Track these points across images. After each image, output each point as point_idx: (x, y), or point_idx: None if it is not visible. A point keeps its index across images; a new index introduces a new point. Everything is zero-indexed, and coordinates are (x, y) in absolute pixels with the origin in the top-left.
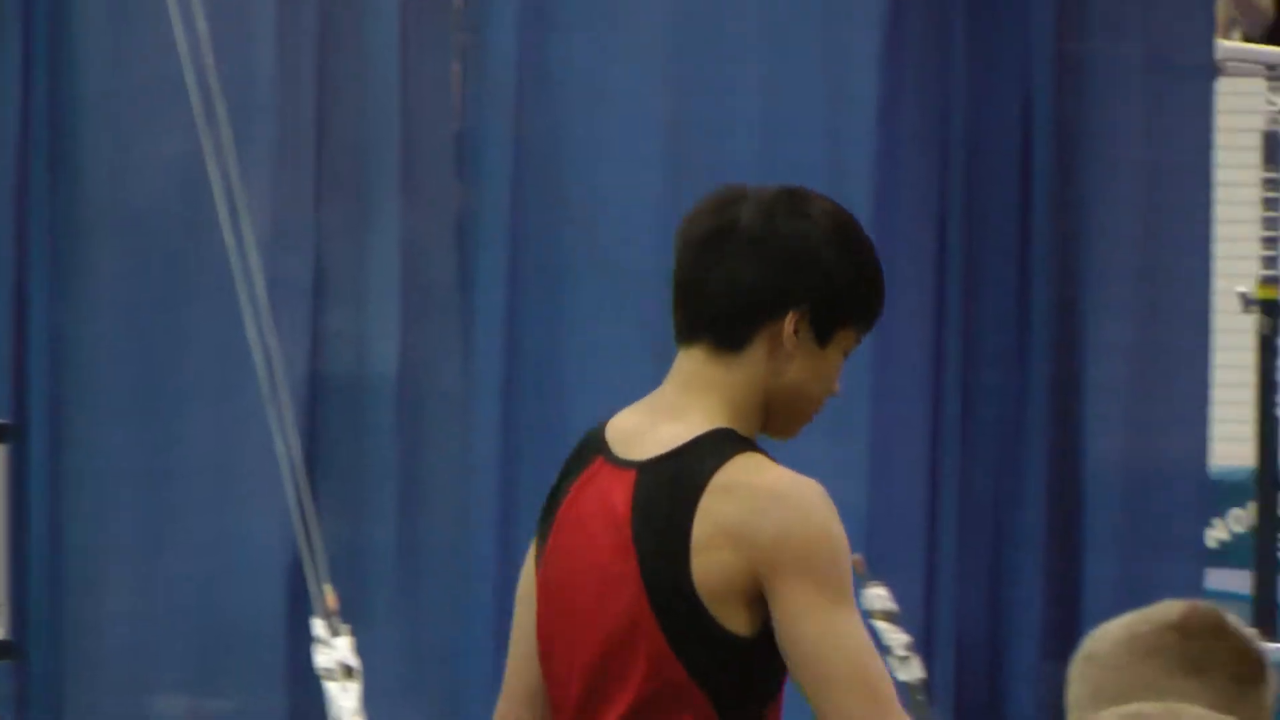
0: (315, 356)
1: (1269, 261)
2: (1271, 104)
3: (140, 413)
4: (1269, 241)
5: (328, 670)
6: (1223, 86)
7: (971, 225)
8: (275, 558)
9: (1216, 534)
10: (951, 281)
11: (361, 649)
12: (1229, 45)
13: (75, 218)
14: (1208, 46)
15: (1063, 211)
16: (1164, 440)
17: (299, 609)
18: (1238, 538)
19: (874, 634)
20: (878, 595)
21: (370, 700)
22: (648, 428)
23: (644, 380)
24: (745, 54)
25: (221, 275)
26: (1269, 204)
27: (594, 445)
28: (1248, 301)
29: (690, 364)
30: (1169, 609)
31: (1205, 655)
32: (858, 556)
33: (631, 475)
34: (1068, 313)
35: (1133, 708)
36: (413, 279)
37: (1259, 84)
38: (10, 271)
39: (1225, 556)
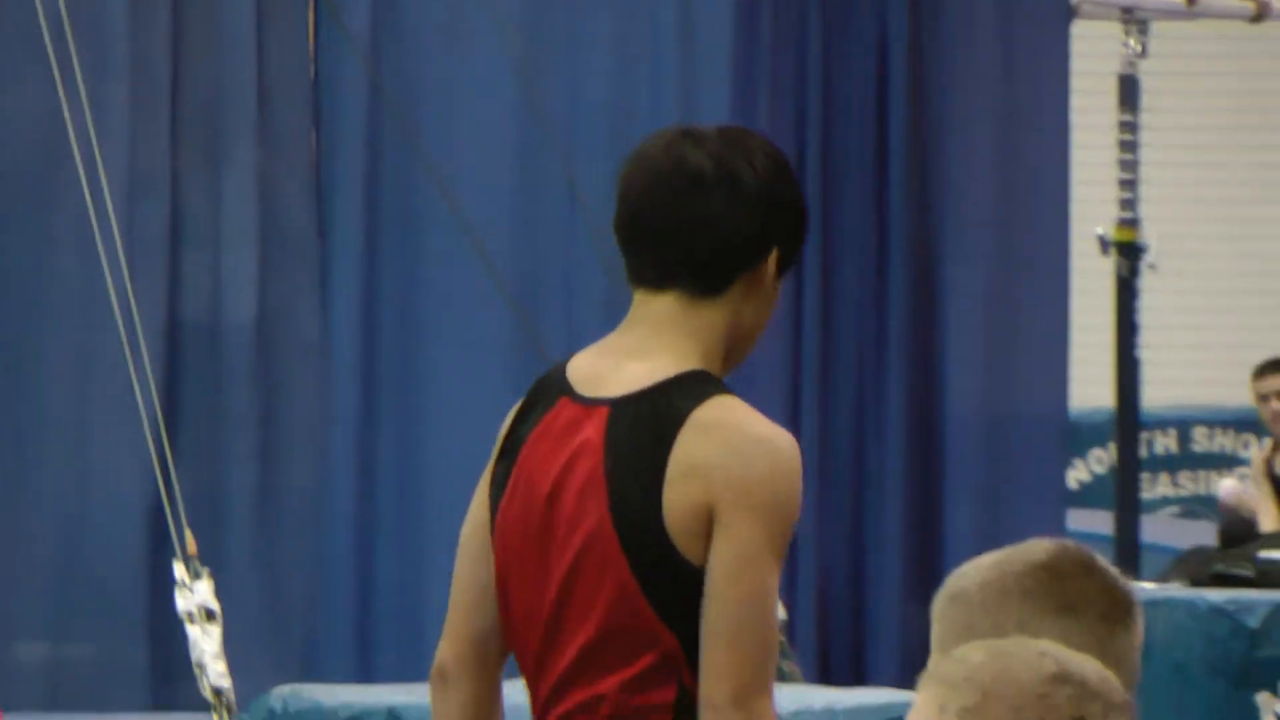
0: (173, 304)
1: (1126, 204)
2: (1126, 47)
3: (2, 355)
4: (1125, 184)
5: (188, 614)
6: (1078, 30)
7: (828, 171)
8: (134, 504)
9: (1077, 475)
10: (810, 228)
11: (221, 593)
12: None
13: None
14: None
15: (919, 157)
16: (1023, 383)
17: (159, 554)
18: (1098, 479)
19: None
20: None
21: (230, 644)
22: (612, 368)
23: (501, 326)
24: (598, 3)
25: (79, 224)
26: (1124, 147)
27: (555, 386)
28: (1105, 244)
29: (659, 307)
30: (1037, 548)
31: (1076, 595)
32: None
33: (604, 411)
34: (925, 257)
35: (998, 644)
36: (269, 226)
37: (1114, 28)
38: None
39: (1086, 497)
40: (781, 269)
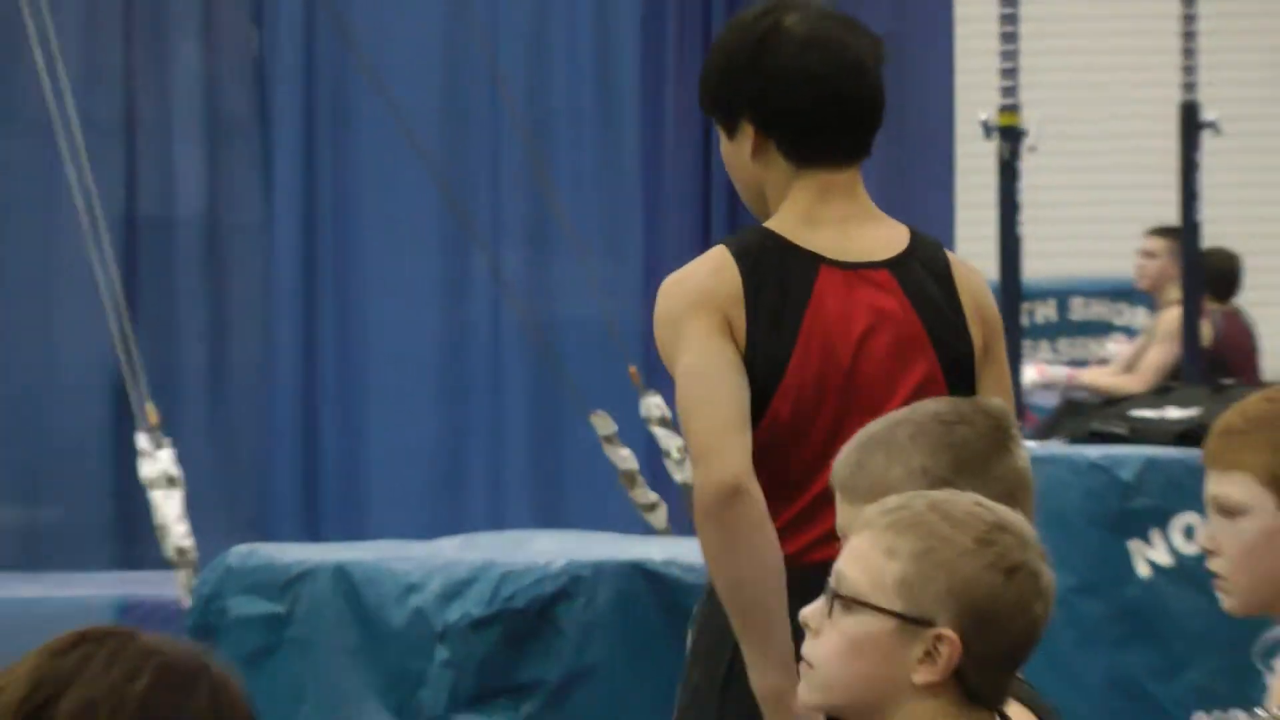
0: (129, 193)
1: (1007, 92)
2: None
3: None
4: (1006, 74)
5: (152, 480)
6: None
7: None
8: (99, 379)
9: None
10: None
11: (180, 460)
12: None
13: None
14: None
15: None
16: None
17: (122, 425)
18: None
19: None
20: (655, 404)
21: (189, 506)
22: (849, 236)
23: (430, 208)
24: None
25: (39, 119)
26: (1005, 38)
27: (794, 256)
28: (988, 129)
29: (847, 178)
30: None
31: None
32: (633, 367)
33: (884, 274)
34: None
35: (933, 495)
36: (214, 119)
37: None
38: None
39: None
40: None
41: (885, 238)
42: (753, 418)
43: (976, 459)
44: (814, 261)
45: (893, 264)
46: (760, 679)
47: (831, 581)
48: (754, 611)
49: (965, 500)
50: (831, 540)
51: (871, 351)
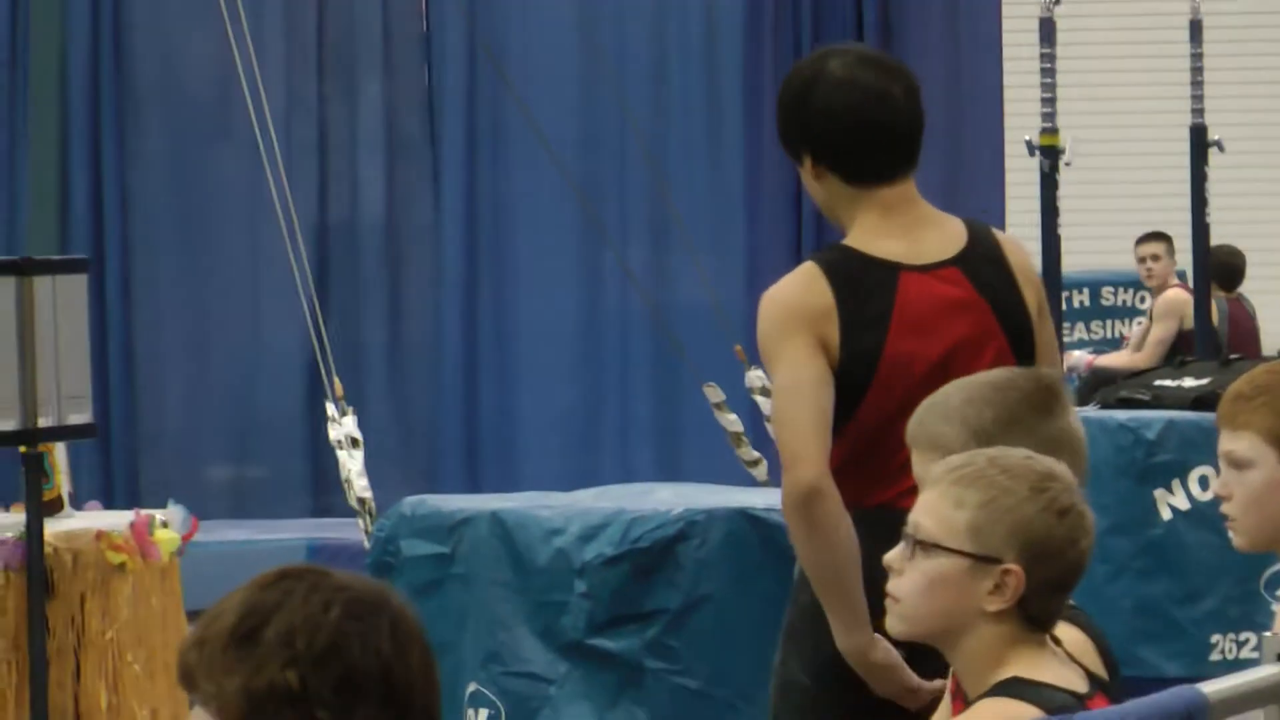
0: (321, 202)
1: (1046, 117)
2: None
3: (187, 252)
4: (1046, 101)
5: (338, 441)
6: None
7: None
8: (295, 358)
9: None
10: None
11: (361, 426)
12: None
13: (133, 98)
14: None
15: None
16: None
17: (315, 396)
18: None
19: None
20: (756, 376)
21: (369, 465)
22: (918, 241)
23: (569, 214)
24: None
25: (247, 141)
26: (1045, 73)
27: (876, 267)
28: (1032, 148)
29: (904, 188)
30: (993, 374)
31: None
32: (738, 346)
33: (954, 270)
34: None
35: (990, 453)
36: (394, 140)
37: None
38: (87, 140)
39: None
40: None
41: (948, 237)
42: (851, 407)
43: (1023, 419)
44: (894, 269)
45: (959, 260)
46: (844, 639)
47: (909, 529)
48: (834, 588)
49: (1018, 455)
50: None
51: (953, 340)
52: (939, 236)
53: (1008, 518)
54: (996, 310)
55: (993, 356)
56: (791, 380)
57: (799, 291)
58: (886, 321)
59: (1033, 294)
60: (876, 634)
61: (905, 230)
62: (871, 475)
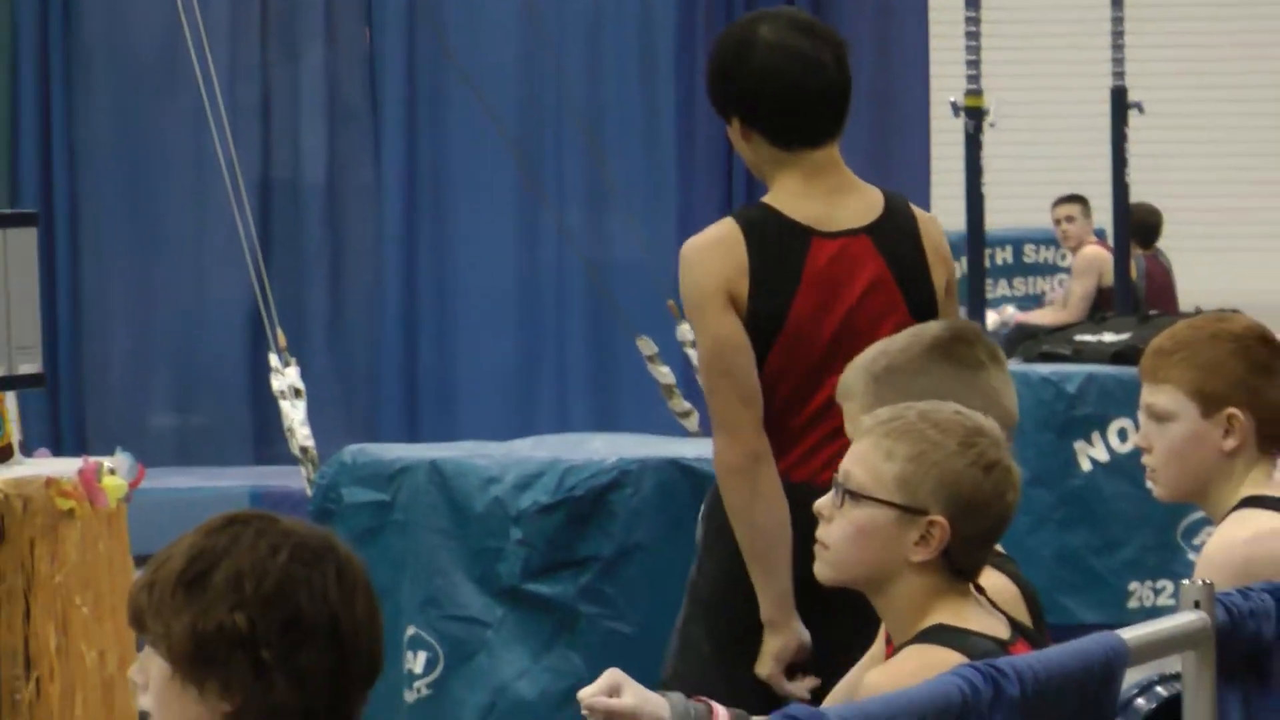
0: (265, 163)
1: (971, 79)
2: None
3: (134, 207)
4: (971, 64)
5: (281, 392)
6: None
7: None
8: (239, 311)
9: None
10: None
11: (303, 377)
12: None
13: (82, 56)
14: None
15: None
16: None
17: (258, 349)
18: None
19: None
20: (687, 330)
21: (311, 414)
22: (834, 207)
23: (506, 173)
24: None
25: (195, 105)
26: (970, 36)
27: (790, 230)
28: (956, 109)
29: (828, 153)
30: (932, 326)
31: (963, 353)
32: (670, 301)
33: (864, 240)
34: None
35: (920, 406)
36: (335, 104)
37: None
38: (36, 97)
39: None
40: None
41: (865, 206)
42: (759, 366)
43: (926, 368)
44: (807, 234)
45: (870, 229)
46: (764, 606)
47: (839, 478)
48: (768, 556)
49: (947, 409)
50: (811, 458)
51: (857, 305)
52: (856, 205)
53: (935, 471)
54: (901, 283)
55: (893, 328)
56: (714, 348)
57: (716, 248)
58: (795, 285)
59: (942, 272)
60: (790, 630)
61: (825, 195)
62: (784, 444)
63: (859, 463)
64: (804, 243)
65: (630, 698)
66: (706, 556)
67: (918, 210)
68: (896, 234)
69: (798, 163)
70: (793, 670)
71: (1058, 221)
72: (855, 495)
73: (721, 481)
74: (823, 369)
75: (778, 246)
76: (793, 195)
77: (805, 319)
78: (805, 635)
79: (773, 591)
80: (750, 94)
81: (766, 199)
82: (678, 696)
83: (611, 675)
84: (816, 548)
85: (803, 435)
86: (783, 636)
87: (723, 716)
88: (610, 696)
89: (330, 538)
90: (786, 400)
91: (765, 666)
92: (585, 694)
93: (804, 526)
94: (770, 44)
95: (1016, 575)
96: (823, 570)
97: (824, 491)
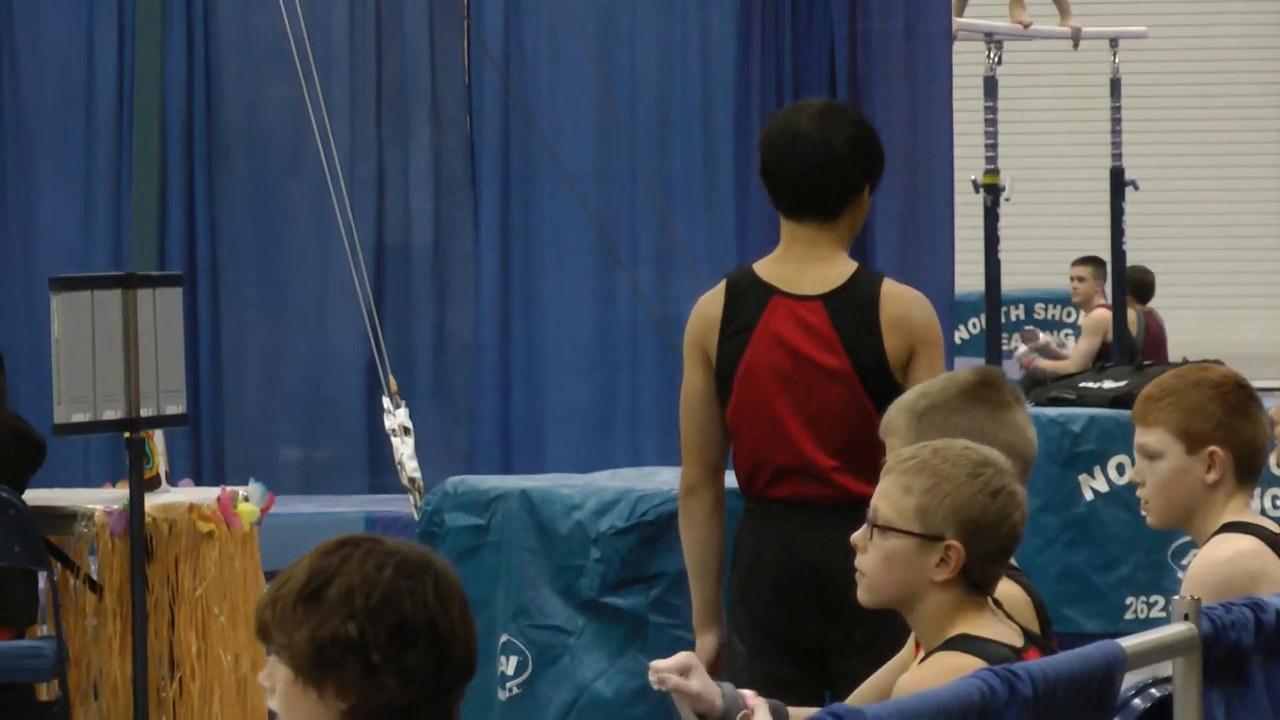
0: (379, 230)
1: (990, 160)
2: (988, 58)
3: (266, 269)
4: (989, 147)
5: (393, 430)
6: (957, 48)
7: None
8: (357, 359)
9: (960, 335)
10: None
11: (412, 416)
12: (960, 20)
13: (221, 138)
14: (947, 20)
15: None
16: (925, 273)
17: (373, 391)
18: (974, 337)
19: None
20: None
21: (419, 449)
22: (801, 273)
23: (587, 239)
24: (646, 28)
25: (316, 176)
26: (988, 123)
27: (759, 288)
28: (976, 185)
29: (811, 230)
30: (963, 373)
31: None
32: None
33: (817, 305)
34: None
35: (933, 444)
36: (440, 178)
37: (980, 46)
38: (182, 174)
39: (966, 349)
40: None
41: (828, 276)
42: (723, 402)
43: (960, 408)
44: (770, 292)
45: (825, 297)
46: (693, 613)
47: (870, 513)
48: (692, 569)
49: (957, 445)
50: (776, 484)
51: (801, 356)
52: (822, 274)
53: (948, 501)
54: (845, 343)
55: (840, 384)
56: (684, 395)
57: (704, 303)
58: (750, 333)
59: (898, 339)
60: (710, 635)
61: (798, 262)
62: (752, 471)
63: (883, 499)
64: (766, 298)
65: (696, 681)
66: (730, 569)
67: (891, 289)
68: (849, 304)
69: (790, 231)
70: (712, 671)
71: (1071, 279)
72: (882, 528)
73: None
74: (780, 413)
75: (744, 301)
76: (775, 259)
77: (755, 365)
78: (723, 640)
79: (695, 602)
80: (767, 167)
81: (757, 262)
82: (728, 686)
83: (686, 657)
84: (856, 575)
85: (765, 465)
86: (700, 640)
87: (756, 703)
88: (680, 675)
89: (428, 554)
90: (751, 436)
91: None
92: (659, 665)
93: (781, 536)
94: (790, 129)
95: (1027, 586)
96: (862, 594)
97: (787, 507)
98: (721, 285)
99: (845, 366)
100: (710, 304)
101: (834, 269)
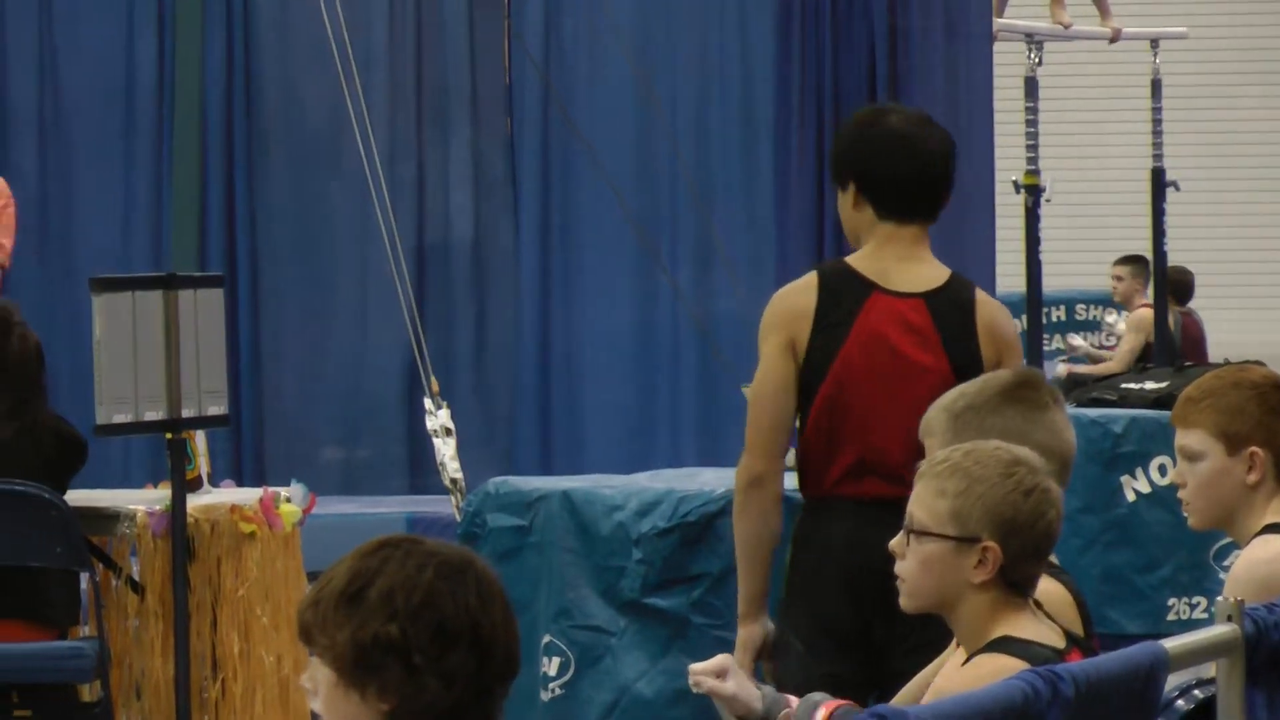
0: (420, 229)
1: (1030, 160)
2: (1029, 58)
3: (306, 269)
4: (1030, 147)
5: (434, 431)
6: (998, 48)
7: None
8: (397, 359)
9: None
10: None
11: (453, 418)
12: (1000, 20)
13: (261, 137)
14: (987, 20)
15: None
16: (965, 276)
17: (414, 392)
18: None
19: None
20: None
21: (460, 450)
22: (900, 271)
23: (626, 238)
24: (686, 24)
25: (356, 175)
26: (1029, 124)
27: (856, 282)
28: (1017, 186)
29: (916, 231)
30: (1000, 375)
31: (1025, 396)
32: None
33: (919, 301)
34: None
35: (965, 446)
36: (480, 177)
37: (1021, 46)
38: (221, 174)
39: None
40: None
41: (928, 276)
42: (808, 395)
43: (998, 408)
44: (870, 287)
45: (926, 295)
46: (739, 601)
47: (906, 520)
48: (744, 559)
49: (988, 446)
50: (850, 480)
51: (901, 356)
52: (921, 274)
53: (981, 502)
54: (945, 343)
55: (936, 380)
56: (760, 383)
57: (792, 295)
58: (848, 328)
59: (990, 346)
60: (758, 624)
61: (896, 260)
62: (826, 465)
63: (918, 504)
64: (864, 294)
65: (732, 684)
66: (789, 567)
67: (984, 296)
68: (950, 304)
69: (888, 231)
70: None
71: (1111, 278)
72: (918, 533)
73: (734, 490)
74: (871, 407)
75: (841, 295)
76: (869, 256)
77: (853, 359)
78: (769, 632)
79: (743, 591)
80: (872, 169)
81: (848, 257)
82: (769, 689)
83: (723, 660)
84: (897, 582)
85: (859, 462)
86: (747, 629)
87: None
88: (718, 678)
89: (469, 555)
90: (837, 430)
91: (736, 653)
92: (697, 668)
93: (858, 533)
94: (897, 132)
95: (1071, 586)
96: (904, 601)
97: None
98: (812, 278)
99: (943, 365)
100: (801, 295)
101: (931, 270)
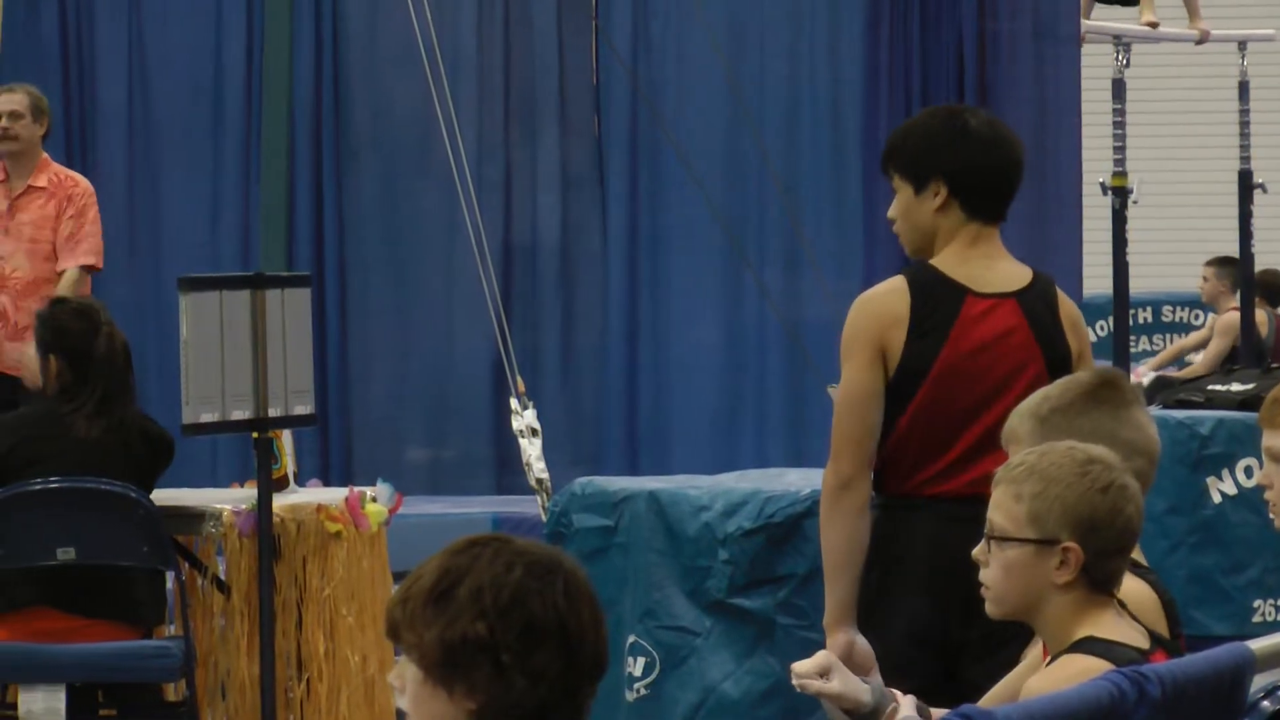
0: (507, 229)
1: (1118, 161)
2: (1117, 60)
3: (393, 270)
4: (1117, 149)
5: (520, 431)
6: (1086, 49)
7: None
8: (484, 359)
9: (1089, 337)
10: None
11: (540, 418)
12: (1088, 22)
13: (349, 140)
14: (1075, 22)
15: None
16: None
17: (500, 392)
18: (1102, 340)
19: None
20: None
21: (546, 450)
22: (989, 272)
23: (714, 238)
24: (777, 27)
25: (444, 176)
26: (1116, 125)
27: (949, 287)
28: (1104, 188)
29: (993, 231)
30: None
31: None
32: None
33: (1013, 302)
34: None
35: (1039, 448)
36: (568, 178)
37: (1109, 48)
38: (310, 175)
39: (1095, 351)
40: None
41: (1014, 275)
42: (906, 402)
43: (1082, 409)
44: (963, 291)
45: (1017, 294)
46: (826, 614)
47: (986, 527)
48: (836, 569)
49: (1062, 446)
50: (952, 477)
51: (1000, 354)
52: (1008, 273)
53: (1058, 503)
54: (1040, 340)
55: (1032, 377)
56: (850, 390)
57: (883, 300)
58: (946, 333)
59: (1074, 339)
60: (846, 633)
61: (982, 260)
62: (916, 467)
63: (997, 509)
64: (959, 298)
65: (837, 682)
66: (867, 574)
67: (1060, 291)
68: (1038, 301)
69: (973, 233)
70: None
71: (1201, 278)
72: (999, 539)
73: (822, 498)
74: (968, 409)
75: (935, 300)
76: (955, 259)
77: (953, 364)
78: (857, 641)
79: (831, 599)
80: (968, 170)
81: (933, 261)
82: (877, 682)
83: (825, 657)
84: (982, 590)
85: (960, 462)
86: (833, 639)
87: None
88: (821, 677)
89: (558, 554)
90: (932, 433)
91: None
92: (799, 668)
93: (934, 532)
94: (986, 133)
95: (1157, 584)
96: (990, 607)
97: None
98: (900, 282)
99: (1039, 363)
100: (893, 301)
101: (1017, 268)
